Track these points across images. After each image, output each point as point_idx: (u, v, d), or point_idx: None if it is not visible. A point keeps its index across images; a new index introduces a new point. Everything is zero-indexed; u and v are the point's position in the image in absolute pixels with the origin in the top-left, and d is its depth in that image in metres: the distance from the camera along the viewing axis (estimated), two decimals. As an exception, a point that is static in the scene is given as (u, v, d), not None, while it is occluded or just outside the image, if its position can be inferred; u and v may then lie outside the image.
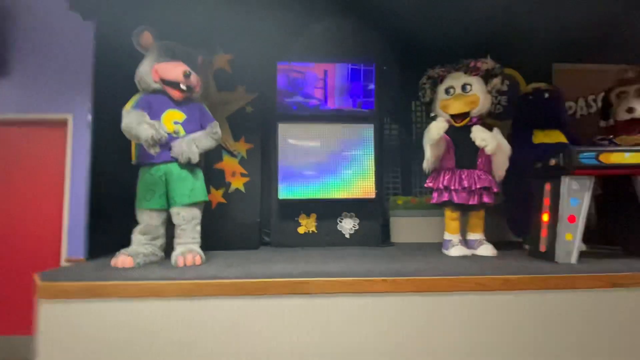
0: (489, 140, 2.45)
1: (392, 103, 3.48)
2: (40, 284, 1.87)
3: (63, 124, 2.67)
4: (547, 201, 2.51)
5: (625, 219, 2.66)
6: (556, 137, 2.99)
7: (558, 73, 3.93)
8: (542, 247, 2.49)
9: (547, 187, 2.52)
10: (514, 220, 3.17)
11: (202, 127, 2.57)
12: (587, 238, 2.52)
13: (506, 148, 2.61)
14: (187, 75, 2.43)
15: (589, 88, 3.92)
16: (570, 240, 2.33)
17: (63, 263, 2.58)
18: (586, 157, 2.31)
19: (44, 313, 1.83)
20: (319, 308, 1.90)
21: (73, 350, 1.80)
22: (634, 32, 3.41)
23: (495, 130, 2.70)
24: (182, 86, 2.44)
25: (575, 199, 2.35)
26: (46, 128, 2.70)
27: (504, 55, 3.53)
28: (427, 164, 2.73)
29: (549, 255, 2.40)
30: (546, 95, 3.08)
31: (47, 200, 2.68)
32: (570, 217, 2.34)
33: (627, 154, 2.29)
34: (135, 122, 2.24)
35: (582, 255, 2.32)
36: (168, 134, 2.35)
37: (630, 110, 2.98)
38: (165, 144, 2.32)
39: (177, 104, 2.50)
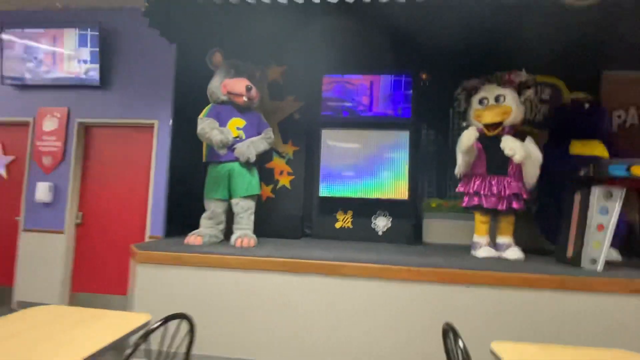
0: (517, 150, 2.60)
1: (429, 111, 3.69)
2: (137, 252, 2.44)
3: (151, 127, 3.33)
4: (576, 210, 2.60)
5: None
6: (595, 148, 3.01)
7: (607, 81, 3.82)
8: (569, 253, 2.59)
9: (577, 196, 2.60)
10: (548, 227, 3.22)
11: (259, 132, 3.05)
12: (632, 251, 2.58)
13: (536, 157, 2.72)
14: (249, 89, 2.93)
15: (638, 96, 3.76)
16: (598, 248, 2.42)
17: (147, 239, 3.22)
18: (617, 168, 2.39)
19: (140, 273, 2.40)
20: (349, 288, 2.25)
21: (159, 302, 2.34)
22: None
23: (528, 139, 2.83)
24: (245, 98, 2.94)
25: (604, 208, 2.43)
26: (138, 130, 3.38)
27: (548, 63, 3.61)
28: (459, 169, 2.94)
29: (575, 261, 2.50)
30: (586, 106, 3.11)
31: (136, 189, 3.35)
32: (599, 227, 2.43)
33: (661, 167, 2.33)
34: (208, 128, 2.77)
35: (615, 264, 2.39)
36: (235, 138, 2.86)
37: None
38: (230, 146, 2.82)
39: (240, 112, 3.01)
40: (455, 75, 3.51)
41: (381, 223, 3.52)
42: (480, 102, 3.00)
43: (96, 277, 3.32)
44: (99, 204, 3.41)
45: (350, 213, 3.57)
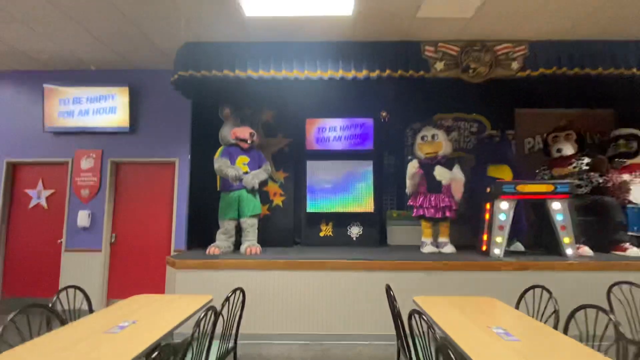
0: (444, 175, 3.74)
1: (388, 143, 4.80)
2: (176, 261, 3.32)
3: (172, 164, 4.21)
4: (487, 216, 3.73)
5: (545, 230, 3.80)
6: (503, 171, 4.18)
7: (519, 116, 5.09)
8: (483, 247, 3.71)
9: (487, 207, 3.74)
10: (474, 229, 4.34)
11: (259, 166, 4.00)
12: (532, 243, 3.73)
13: (460, 180, 3.86)
14: (252, 135, 3.90)
15: (544, 127, 5.02)
16: (499, 242, 3.54)
17: (172, 252, 4.05)
18: (508, 187, 3.55)
19: (179, 277, 3.27)
20: (333, 278, 3.23)
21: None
22: (579, 84, 4.41)
23: (456, 167, 3.97)
24: (249, 142, 3.90)
25: (503, 215, 3.57)
26: (162, 167, 4.25)
27: (476, 105, 4.82)
28: (408, 189, 4.03)
29: (486, 252, 3.61)
30: (496, 139, 4.30)
31: (161, 213, 4.19)
32: (500, 227, 3.56)
33: (535, 185, 3.51)
34: (224, 166, 3.71)
35: (515, 253, 3.53)
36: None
37: (559, 150, 4.15)
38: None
39: (245, 151, 3.96)
40: (406, 117, 4.67)
41: (355, 231, 4.54)
42: (422, 138, 4.12)
43: (128, 285, 4.10)
44: (129, 226, 4.22)
45: (331, 224, 4.56)
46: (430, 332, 1.50)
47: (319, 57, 3.53)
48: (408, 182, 3.96)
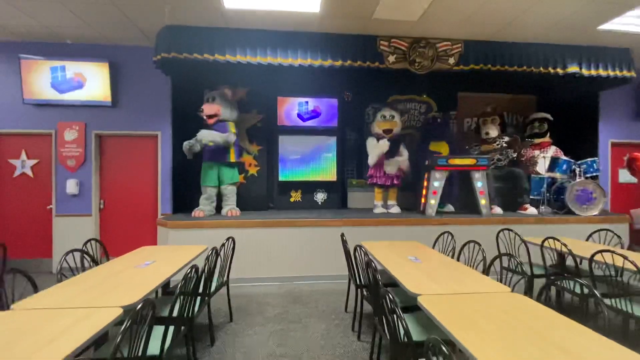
0: (394, 167, 4.60)
1: (351, 121, 5.49)
2: (168, 222, 3.89)
3: (155, 137, 4.60)
4: (425, 183, 4.64)
5: (469, 195, 4.80)
6: (442, 146, 5.09)
7: (461, 99, 5.97)
8: (421, 207, 4.65)
9: (426, 175, 4.65)
10: (417, 194, 5.30)
11: (233, 139, 4.53)
12: (461, 205, 4.71)
13: (404, 160, 4.71)
14: (201, 111, 4.31)
15: (480, 109, 5.95)
16: (433, 204, 4.48)
17: (159, 216, 4.58)
18: (442, 160, 4.44)
19: (171, 235, 3.87)
20: (303, 233, 4.01)
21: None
22: (507, 74, 5.25)
23: (402, 146, 4.79)
24: (202, 115, 4.31)
25: (436, 182, 4.49)
26: (145, 139, 4.63)
27: (426, 88, 5.60)
28: (373, 161, 4.74)
29: (423, 211, 4.56)
30: (438, 120, 5.16)
31: (148, 181, 4.63)
32: (434, 192, 4.49)
33: (461, 159, 4.44)
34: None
35: (447, 213, 4.51)
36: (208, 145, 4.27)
37: (487, 133, 5.09)
38: (213, 149, 4.28)
39: (212, 127, 4.38)
40: (366, 98, 5.35)
41: (320, 196, 5.32)
42: (382, 117, 4.86)
43: (120, 245, 4.60)
44: (116, 194, 4.64)
45: (300, 191, 5.29)
46: (365, 257, 2.31)
47: (290, 46, 4.03)
48: (375, 157, 4.68)
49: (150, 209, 4.66)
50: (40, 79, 4.36)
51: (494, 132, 5.11)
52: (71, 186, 4.44)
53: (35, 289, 1.97)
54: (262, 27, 3.98)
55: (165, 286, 2.83)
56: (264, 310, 3.26)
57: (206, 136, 4.20)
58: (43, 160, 4.54)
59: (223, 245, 2.79)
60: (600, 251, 2.39)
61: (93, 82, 4.43)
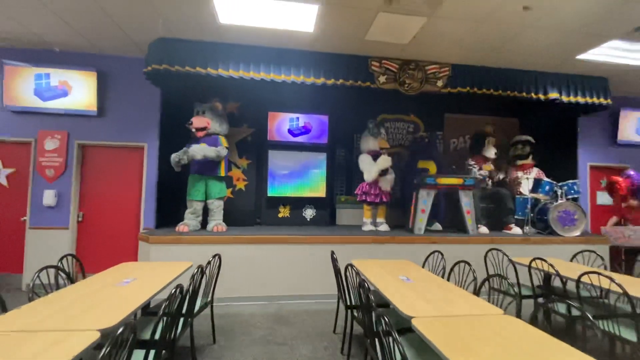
0: (386, 186, 4.64)
1: (341, 138, 5.53)
2: (149, 237, 3.74)
3: (142, 148, 4.48)
4: (414, 201, 4.67)
5: (456, 214, 4.85)
6: (430, 165, 5.17)
7: (448, 120, 6.13)
8: (410, 225, 4.66)
9: (414, 194, 4.68)
10: (406, 212, 5.32)
11: (216, 149, 4.45)
12: (448, 224, 4.72)
13: (390, 180, 4.75)
14: (190, 124, 4.25)
15: (467, 130, 6.13)
16: (421, 222, 4.50)
17: (142, 230, 4.40)
18: (430, 179, 4.49)
19: (153, 250, 3.71)
20: (291, 250, 3.93)
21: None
22: (492, 97, 5.44)
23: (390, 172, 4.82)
24: (191, 128, 4.26)
25: (425, 201, 4.52)
26: (130, 150, 4.50)
27: (414, 108, 5.73)
28: (373, 177, 4.69)
29: (412, 230, 4.56)
30: (426, 139, 5.26)
31: (132, 194, 4.47)
32: (422, 210, 4.52)
33: (449, 178, 4.50)
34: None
35: (434, 231, 4.51)
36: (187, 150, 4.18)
37: (495, 153, 5.15)
38: (201, 162, 4.19)
39: (202, 139, 4.31)
40: (356, 116, 5.42)
41: (309, 212, 5.26)
42: (381, 134, 4.89)
43: (98, 260, 4.37)
44: (97, 206, 4.45)
45: (288, 207, 5.22)
46: (357, 277, 2.26)
47: (283, 62, 4.07)
48: (376, 172, 4.65)
49: (132, 222, 4.48)
50: (23, 86, 4.22)
51: (495, 152, 5.20)
52: (48, 197, 4.23)
53: (4, 309, 1.83)
54: (256, 43, 4.01)
55: (146, 307, 2.67)
56: (249, 331, 3.12)
57: (198, 152, 4.10)
58: (20, 169, 4.34)
59: (209, 263, 2.69)
60: (587, 272, 2.43)
61: (79, 91, 4.32)
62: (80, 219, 4.42)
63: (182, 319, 2.24)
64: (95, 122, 4.42)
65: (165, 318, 1.78)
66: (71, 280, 2.47)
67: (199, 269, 2.39)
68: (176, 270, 2.65)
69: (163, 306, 1.74)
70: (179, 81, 4.33)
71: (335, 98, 5.11)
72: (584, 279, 2.45)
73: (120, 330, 1.28)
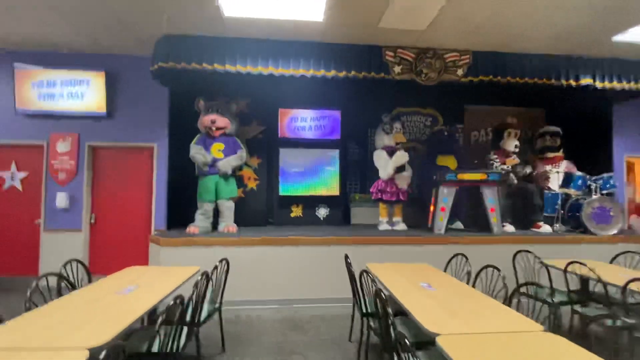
0: (403, 184, 4.43)
1: (354, 133, 5.31)
2: (161, 239, 3.65)
3: (151, 149, 4.42)
4: (433, 199, 4.40)
5: (479, 211, 4.54)
6: (450, 160, 4.87)
7: (468, 112, 5.79)
8: (429, 225, 4.40)
9: (434, 191, 4.41)
10: (425, 210, 5.05)
11: (234, 152, 4.34)
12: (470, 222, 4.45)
13: (407, 177, 4.49)
14: (213, 122, 4.16)
15: (489, 122, 5.76)
16: (442, 221, 4.23)
17: (153, 232, 4.34)
18: (451, 175, 4.21)
19: (163, 253, 3.62)
20: (301, 252, 3.76)
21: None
22: (517, 86, 5.05)
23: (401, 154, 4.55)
24: (214, 128, 4.18)
25: (445, 199, 4.25)
26: (140, 151, 4.45)
27: (432, 101, 5.43)
28: (390, 173, 4.48)
29: (432, 229, 4.30)
30: (445, 133, 4.96)
31: (142, 195, 4.43)
32: (442, 209, 4.24)
33: (471, 174, 4.21)
34: (195, 153, 4.02)
35: (455, 230, 4.24)
36: (216, 158, 4.13)
37: (516, 146, 4.79)
38: (211, 164, 4.09)
39: (219, 139, 4.25)
40: (370, 110, 5.17)
41: (322, 212, 5.08)
42: (397, 129, 4.64)
43: (110, 262, 4.35)
44: (109, 208, 4.43)
45: (301, 206, 5.06)
46: (372, 285, 2.06)
47: (292, 56, 3.88)
48: (391, 169, 4.43)
49: (143, 224, 4.43)
50: (34, 89, 4.22)
51: (516, 145, 4.85)
52: (61, 200, 4.23)
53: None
54: (263, 36, 3.84)
55: (152, 313, 2.56)
56: (259, 339, 2.98)
57: (228, 167, 4.16)
58: (33, 172, 4.35)
59: (216, 267, 2.55)
60: (636, 279, 2.13)
61: (88, 92, 4.28)
62: (92, 221, 4.40)
63: (185, 329, 2.11)
64: (105, 123, 4.38)
65: (165, 330, 1.64)
66: (73, 286, 2.38)
67: (204, 276, 2.25)
68: (182, 276, 2.52)
69: (160, 320, 1.60)
70: (187, 79, 4.21)
71: (348, 92, 4.88)
72: (632, 286, 2.15)
73: (104, 354, 1.13)
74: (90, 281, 2.68)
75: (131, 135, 4.41)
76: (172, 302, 1.72)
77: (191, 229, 4.03)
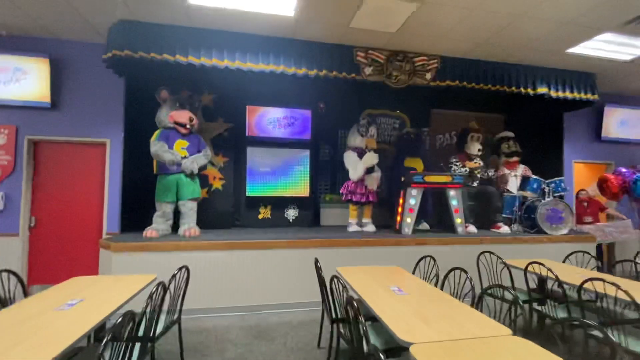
0: (373, 185, 4.44)
1: (324, 133, 5.23)
2: (111, 244, 3.33)
3: (103, 145, 4.02)
4: (401, 201, 4.44)
5: (444, 213, 4.66)
6: (416, 162, 4.95)
7: (434, 116, 5.94)
8: (397, 226, 4.43)
9: (402, 193, 4.45)
10: (393, 211, 5.09)
11: (199, 150, 4.09)
12: (435, 223, 4.52)
13: (377, 178, 4.49)
14: (191, 120, 3.95)
15: (453, 126, 5.94)
16: (409, 222, 4.28)
17: (104, 235, 3.96)
18: (418, 177, 4.27)
19: (115, 259, 3.30)
20: (268, 255, 3.61)
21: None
22: (480, 92, 5.24)
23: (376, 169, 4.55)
24: (188, 126, 3.95)
25: (413, 200, 4.30)
26: (90, 147, 4.03)
27: (399, 103, 5.50)
28: (359, 175, 4.41)
29: (399, 230, 4.34)
30: (411, 136, 5.03)
31: (92, 195, 4.00)
32: (410, 210, 4.29)
33: (437, 176, 4.29)
34: (160, 150, 3.73)
35: (422, 231, 4.28)
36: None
37: (479, 150, 4.94)
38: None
39: (183, 136, 4.00)
40: (340, 111, 5.13)
41: (291, 213, 4.95)
42: (369, 134, 4.60)
43: (53, 270, 3.91)
44: (53, 209, 3.97)
45: (269, 207, 4.89)
46: (344, 292, 1.98)
47: (262, 50, 3.72)
48: (361, 171, 4.37)
49: (93, 227, 4.03)
50: (-38, 73, 3.68)
51: (478, 149, 5.01)
52: (-6, 200, 3.73)
53: None
54: (231, 28, 3.64)
55: (100, 329, 2.30)
56: (223, 349, 2.79)
57: (194, 167, 3.94)
58: (-41, 168, 3.80)
59: (174, 276, 2.34)
60: (592, 279, 2.25)
61: (29, 80, 3.82)
62: (32, 224, 3.93)
63: (139, 345, 1.90)
64: (49, 116, 3.93)
65: (110, 349, 1.44)
66: (3, 303, 2.07)
67: (160, 286, 2.04)
68: (135, 286, 2.28)
69: (106, 338, 1.40)
70: (145, 70, 3.89)
71: (319, 91, 4.81)
72: (587, 285, 2.27)
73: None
74: (26, 295, 2.36)
75: (80, 129, 3.99)
76: (120, 320, 1.51)
77: (149, 232, 3.72)
